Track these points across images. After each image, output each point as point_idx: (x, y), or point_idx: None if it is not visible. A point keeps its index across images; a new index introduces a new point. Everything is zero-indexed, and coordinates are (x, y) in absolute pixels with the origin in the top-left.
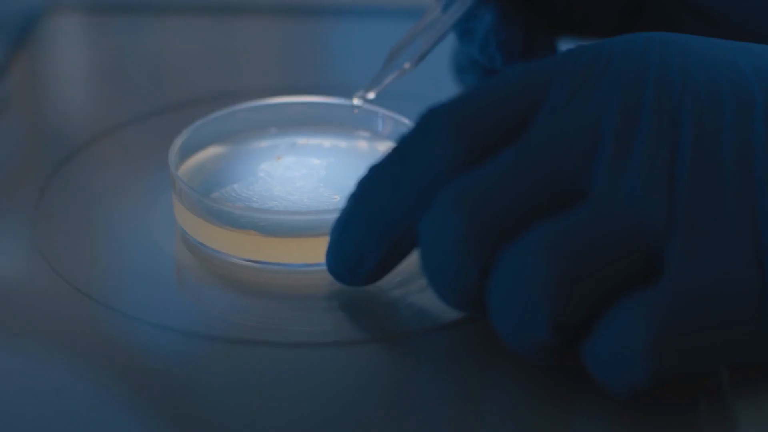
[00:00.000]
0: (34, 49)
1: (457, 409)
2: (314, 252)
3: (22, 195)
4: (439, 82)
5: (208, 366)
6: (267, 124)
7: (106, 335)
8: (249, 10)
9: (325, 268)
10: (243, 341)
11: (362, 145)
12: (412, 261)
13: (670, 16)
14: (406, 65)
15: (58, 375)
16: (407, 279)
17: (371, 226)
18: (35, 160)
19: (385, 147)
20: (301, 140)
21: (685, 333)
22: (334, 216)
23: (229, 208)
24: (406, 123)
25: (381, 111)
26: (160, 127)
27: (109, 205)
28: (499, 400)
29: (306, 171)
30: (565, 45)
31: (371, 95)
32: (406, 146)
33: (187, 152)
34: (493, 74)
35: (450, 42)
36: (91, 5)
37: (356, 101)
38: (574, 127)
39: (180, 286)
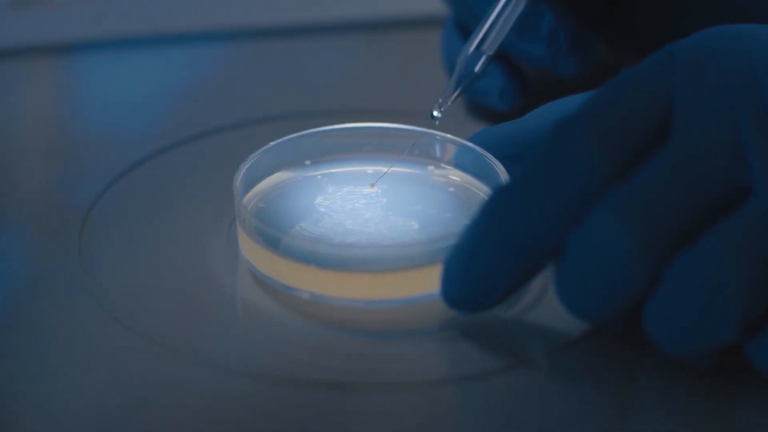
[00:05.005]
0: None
1: (617, 422)
2: (422, 284)
3: (65, 226)
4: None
5: (317, 417)
6: (302, 156)
7: (171, 381)
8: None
9: (427, 298)
10: (356, 385)
11: (405, 168)
12: None
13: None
14: (476, 69)
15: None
16: (513, 300)
17: (509, 248)
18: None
19: (429, 167)
20: (338, 169)
21: None
22: (440, 245)
23: (325, 248)
24: (440, 138)
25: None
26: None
27: (157, 237)
28: (658, 404)
29: (365, 201)
30: None
31: (448, 104)
32: (544, 163)
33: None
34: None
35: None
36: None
37: (435, 113)
38: (717, 131)
39: (263, 327)
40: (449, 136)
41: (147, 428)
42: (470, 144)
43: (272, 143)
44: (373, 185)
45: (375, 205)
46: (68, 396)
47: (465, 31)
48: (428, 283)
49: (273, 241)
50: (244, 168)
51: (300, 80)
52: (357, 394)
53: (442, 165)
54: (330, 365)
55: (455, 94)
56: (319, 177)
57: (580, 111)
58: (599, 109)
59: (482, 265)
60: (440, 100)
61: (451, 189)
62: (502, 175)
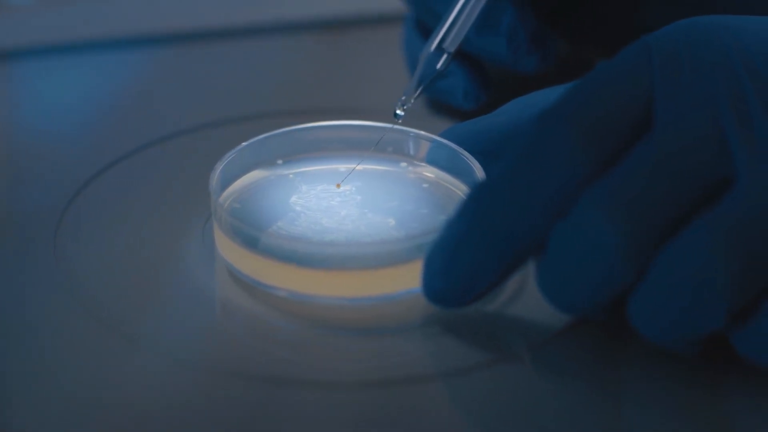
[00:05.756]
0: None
1: (603, 413)
2: (402, 280)
3: (39, 230)
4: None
5: (298, 414)
6: (274, 155)
7: (150, 380)
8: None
9: (407, 295)
10: (337, 383)
11: (377, 165)
12: None
13: None
14: (438, 66)
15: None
16: (494, 294)
17: (492, 244)
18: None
19: (402, 164)
20: (310, 168)
21: None
22: (419, 241)
23: (304, 247)
24: (412, 135)
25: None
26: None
27: (132, 238)
28: (644, 394)
29: (340, 198)
30: None
31: (410, 102)
32: (526, 157)
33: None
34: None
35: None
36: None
37: (399, 111)
38: (699, 122)
39: (243, 326)
40: (422, 132)
41: (124, 426)
42: (442, 140)
43: (245, 143)
44: (339, 185)
45: (350, 203)
46: (47, 396)
47: (425, 29)
48: (408, 279)
49: (252, 240)
50: (219, 168)
51: (264, 80)
52: (339, 391)
53: (415, 161)
54: (310, 363)
55: (417, 92)
56: (291, 176)
57: (560, 105)
58: (580, 102)
59: (465, 260)
60: (403, 98)
61: (425, 185)
62: (476, 170)
